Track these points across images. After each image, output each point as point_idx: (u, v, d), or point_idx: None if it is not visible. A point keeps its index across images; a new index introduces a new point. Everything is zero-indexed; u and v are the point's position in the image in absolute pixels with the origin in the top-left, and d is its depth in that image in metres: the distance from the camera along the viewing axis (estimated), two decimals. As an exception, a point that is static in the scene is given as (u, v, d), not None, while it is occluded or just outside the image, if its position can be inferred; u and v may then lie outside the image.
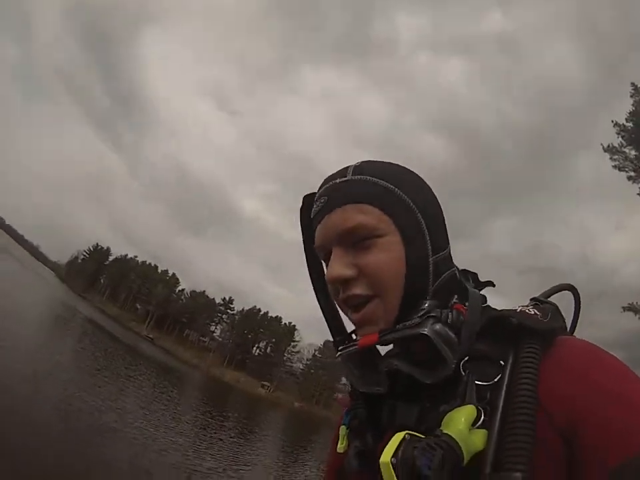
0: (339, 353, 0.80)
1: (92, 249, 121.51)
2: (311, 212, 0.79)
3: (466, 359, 0.66)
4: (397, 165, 0.79)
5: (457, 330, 0.67)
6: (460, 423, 0.57)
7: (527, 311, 0.68)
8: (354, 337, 0.81)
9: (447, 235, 0.78)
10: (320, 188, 0.78)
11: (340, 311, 0.82)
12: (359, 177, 0.74)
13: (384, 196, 0.72)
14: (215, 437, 16.72)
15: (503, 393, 0.60)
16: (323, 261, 0.80)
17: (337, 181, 0.75)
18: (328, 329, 0.86)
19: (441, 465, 0.51)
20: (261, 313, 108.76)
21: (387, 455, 0.53)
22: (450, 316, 0.68)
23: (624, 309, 17.98)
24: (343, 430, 0.81)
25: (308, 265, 0.88)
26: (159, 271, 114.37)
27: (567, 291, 0.84)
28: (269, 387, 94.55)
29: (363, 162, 0.77)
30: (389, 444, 0.54)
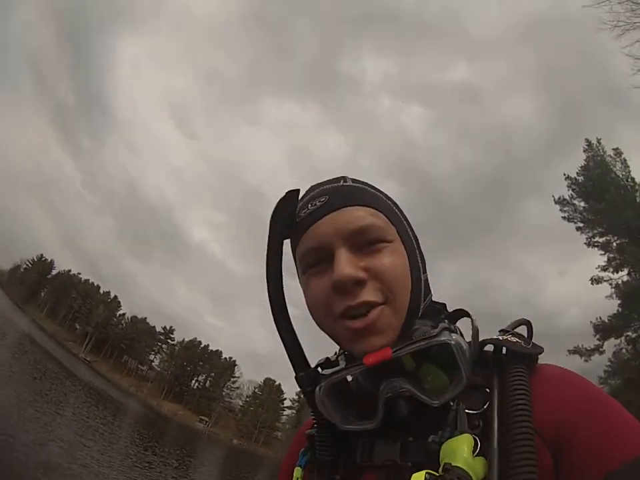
0: (323, 379, 0.68)
1: (36, 259, 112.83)
2: (298, 213, 0.71)
3: None
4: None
5: (469, 347, 0.64)
6: (464, 452, 0.55)
7: (509, 338, 0.67)
8: (320, 370, 0.72)
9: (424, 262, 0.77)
10: (311, 191, 0.74)
11: (300, 342, 0.75)
12: (361, 185, 0.72)
13: (386, 206, 0.72)
14: (158, 473, 16.31)
15: (496, 419, 0.58)
16: (309, 268, 0.71)
17: (339, 184, 0.72)
18: (289, 360, 0.74)
19: None
20: (202, 345, 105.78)
21: None
22: (459, 331, 0.66)
23: (569, 352, 18.43)
24: (298, 472, 0.76)
25: (268, 277, 0.74)
26: (101, 291, 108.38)
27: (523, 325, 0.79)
28: (207, 422, 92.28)
29: (355, 179, 0.75)
30: (415, 477, 0.53)
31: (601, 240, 19.08)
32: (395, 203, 0.76)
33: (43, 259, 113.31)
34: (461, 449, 0.55)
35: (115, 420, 25.10)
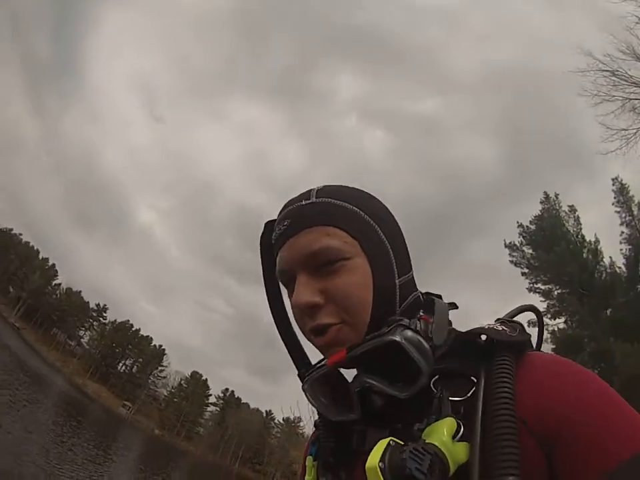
0: (306, 378, 0.77)
1: None
2: (272, 237, 0.77)
3: (436, 377, 0.66)
4: (360, 190, 0.79)
5: (427, 340, 0.65)
6: (442, 434, 0.56)
7: (494, 327, 0.69)
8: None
9: (409, 259, 0.79)
10: (281, 212, 0.77)
11: (302, 340, 0.83)
12: (323, 199, 0.73)
13: (349, 218, 0.72)
14: (75, 455, 15.57)
15: (480, 405, 0.59)
16: (285, 287, 0.78)
17: (301, 203, 0.74)
18: (291, 359, 0.85)
19: (431, 470, 0.51)
20: (133, 328, 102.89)
21: (373, 460, 0.52)
22: (418, 324, 0.67)
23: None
24: (309, 461, 0.81)
25: (267, 293, 0.86)
26: (40, 257, 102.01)
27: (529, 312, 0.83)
28: (130, 407, 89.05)
29: (325, 185, 0.76)
30: (374, 449, 0.54)
31: (542, 287, 19.95)
32: (371, 207, 0.76)
33: None
34: (439, 431, 0.57)
35: (37, 394, 24.05)
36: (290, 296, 0.76)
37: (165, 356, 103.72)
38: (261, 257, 0.85)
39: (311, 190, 0.75)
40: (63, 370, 80.00)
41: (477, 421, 0.58)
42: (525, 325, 0.73)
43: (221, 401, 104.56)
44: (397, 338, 0.63)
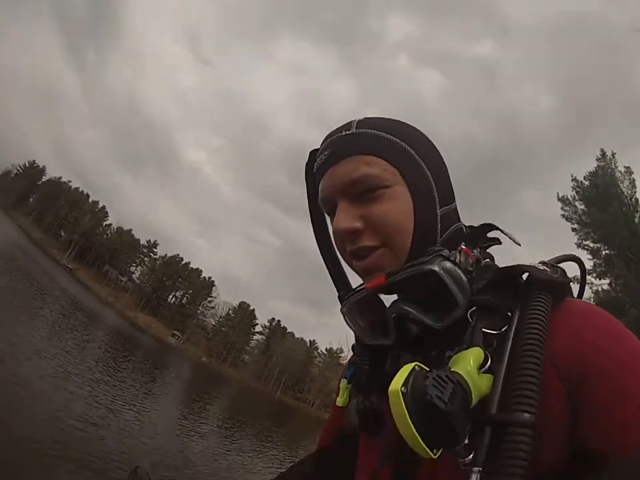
0: (345, 300, 0.81)
1: (27, 165, 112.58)
2: (314, 167, 0.80)
3: (473, 308, 0.66)
4: (401, 121, 0.79)
5: (466, 272, 0.67)
6: (468, 363, 0.57)
7: (536, 266, 0.68)
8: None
9: (452, 190, 0.79)
10: (323, 142, 0.78)
11: (344, 266, 0.86)
12: (363, 130, 0.74)
13: (390, 148, 0.72)
14: (128, 378, 16.38)
15: (511, 339, 0.60)
16: (327, 215, 0.81)
17: (342, 133, 0.75)
18: (332, 283, 0.88)
19: (452, 399, 0.51)
20: (183, 262, 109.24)
21: (396, 384, 0.51)
22: (458, 257, 0.69)
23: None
24: (343, 383, 0.85)
25: (312, 220, 0.89)
26: (90, 201, 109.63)
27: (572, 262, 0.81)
28: (179, 337, 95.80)
29: (366, 117, 0.77)
30: (398, 373, 0.53)
31: (591, 245, 19.98)
32: (411, 138, 0.75)
33: (35, 165, 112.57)
34: (465, 360, 0.57)
35: (89, 327, 25.34)
36: (332, 223, 0.77)
37: (213, 287, 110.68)
38: (306, 185, 0.87)
39: (352, 121, 0.76)
40: (115, 305, 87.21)
41: (505, 354, 0.59)
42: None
43: (267, 330, 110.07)
44: (435, 268, 0.64)
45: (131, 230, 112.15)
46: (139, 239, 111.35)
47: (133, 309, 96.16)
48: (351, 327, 0.80)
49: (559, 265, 0.74)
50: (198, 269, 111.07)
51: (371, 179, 0.70)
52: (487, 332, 0.63)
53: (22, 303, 14.63)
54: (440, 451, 0.52)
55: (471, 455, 0.54)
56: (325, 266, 0.89)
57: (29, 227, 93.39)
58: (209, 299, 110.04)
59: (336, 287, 0.88)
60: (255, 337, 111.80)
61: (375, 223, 0.70)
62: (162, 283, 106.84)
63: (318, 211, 0.86)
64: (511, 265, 0.71)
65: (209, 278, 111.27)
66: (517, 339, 0.59)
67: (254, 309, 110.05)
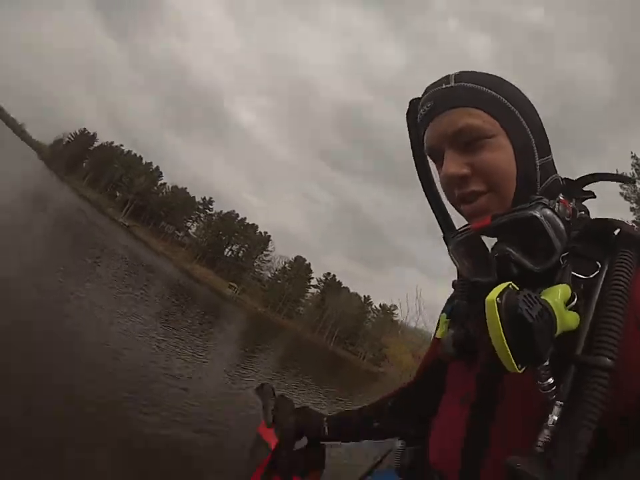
0: (451, 239, 0.86)
1: (78, 132, 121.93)
2: (417, 117, 0.84)
3: (566, 254, 0.71)
4: (496, 76, 0.81)
5: (564, 222, 0.70)
6: (556, 295, 0.61)
7: (627, 222, 0.72)
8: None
9: (548, 142, 0.81)
10: (423, 95, 0.82)
11: (448, 210, 0.91)
12: (462, 83, 0.77)
13: (489, 101, 0.76)
14: (186, 326, 17.02)
15: (600, 285, 0.64)
16: (434, 162, 0.85)
17: (442, 87, 0.78)
18: (438, 225, 0.93)
19: (539, 316, 0.55)
20: (239, 218, 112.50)
21: (493, 295, 0.55)
22: (557, 206, 0.72)
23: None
24: (442, 317, 0.90)
25: (416, 167, 0.93)
26: (144, 162, 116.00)
27: None
28: (235, 288, 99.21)
29: (462, 71, 0.80)
30: (495, 287, 0.57)
31: None
32: (507, 91, 0.78)
33: (86, 132, 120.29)
34: (554, 292, 0.62)
35: (148, 280, 26.22)
36: (439, 170, 0.81)
37: (269, 242, 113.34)
38: (409, 134, 0.91)
39: (449, 75, 0.80)
40: (173, 258, 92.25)
41: (593, 299, 0.63)
42: None
43: (322, 284, 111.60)
44: (537, 214, 0.69)
45: (185, 188, 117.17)
46: (194, 197, 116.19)
47: (190, 261, 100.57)
48: (456, 264, 0.86)
49: None
50: (254, 224, 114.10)
51: (474, 129, 0.74)
52: (575, 275, 0.68)
53: (89, 261, 15.60)
54: (524, 368, 0.56)
55: (554, 387, 0.59)
56: (431, 210, 0.93)
57: (84, 189, 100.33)
58: (264, 252, 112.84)
59: (441, 228, 0.92)
60: (310, 290, 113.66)
61: (481, 169, 0.74)
62: (218, 238, 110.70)
63: (422, 159, 0.91)
64: (604, 218, 0.74)
65: (265, 233, 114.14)
66: (604, 288, 0.63)
67: (309, 263, 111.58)
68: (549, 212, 0.69)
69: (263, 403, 1.22)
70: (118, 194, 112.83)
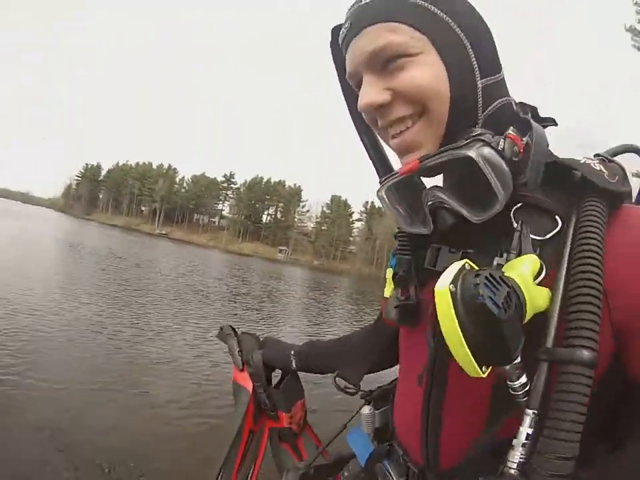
0: (379, 187, 0.75)
1: (82, 170, 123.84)
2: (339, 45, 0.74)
3: (518, 205, 0.62)
4: None
5: (510, 163, 0.60)
6: (522, 269, 0.52)
7: (592, 165, 0.61)
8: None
9: (498, 58, 0.70)
10: (346, 15, 0.72)
11: (386, 149, 0.82)
12: None
13: (416, 13, 0.64)
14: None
15: (567, 252, 0.55)
16: (356, 90, 0.72)
17: (361, 2, 0.67)
18: (374, 169, 0.84)
19: (506, 304, 0.46)
20: (264, 180, 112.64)
21: (444, 281, 0.47)
22: (502, 144, 0.61)
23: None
24: (389, 272, 0.82)
25: (346, 102, 0.84)
26: (154, 166, 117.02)
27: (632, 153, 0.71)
28: (286, 250, 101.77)
29: None
30: (446, 271, 0.49)
31: None
32: (442, 0, 0.65)
33: (89, 166, 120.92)
34: (520, 266, 0.53)
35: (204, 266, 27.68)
36: None
37: (302, 192, 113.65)
38: (334, 64, 0.82)
39: None
40: (218, 246, 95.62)
41: (562, 269, 0.54)
42: (629, 175, 0.64)
43: (364, 215, 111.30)
44: (472, 154, 0.59)
45: (204, 173, 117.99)
46: (215, 177, 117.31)
47: (235, 242, 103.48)
48: (387, 211, 0.76)
49: (616, 157, 0.66)
50: (281, 181, 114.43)
51: (394, 46, 0.63)
52: (534, 239, 0.59)
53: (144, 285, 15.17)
54: (489, 369, 0.48)
55: (526, 388, 0.51)
56: (365, 151, 0.85)
57: (111, 219, 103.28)
58: (301, 204, 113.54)
59: (377, 172, 0.83)
60: (355, 226, 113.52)
61: (404, 90, 0.64)
62: (252, 208, 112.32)
63: (350, 92, 0.79)
64: (563, 158, 0.64)
65: (295, 185, 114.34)
66: (573, 253, 0.54)
67: (346, 199, 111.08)
68: (487, 151, 0.59)
69: (227, 346, 1.22)
70: (143, 208, 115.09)
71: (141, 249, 36.00)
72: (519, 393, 0.51)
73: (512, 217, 0.61)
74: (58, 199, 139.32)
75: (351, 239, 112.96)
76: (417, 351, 0.75)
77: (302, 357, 1.16)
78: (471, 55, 0.65)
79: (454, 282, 0.47)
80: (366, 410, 0.98)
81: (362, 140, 0.85)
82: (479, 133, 0.62)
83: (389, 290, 0.82)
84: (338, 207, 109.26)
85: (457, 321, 0.45)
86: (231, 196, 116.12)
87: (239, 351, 1.19)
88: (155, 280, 16.63)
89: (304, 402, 1.23)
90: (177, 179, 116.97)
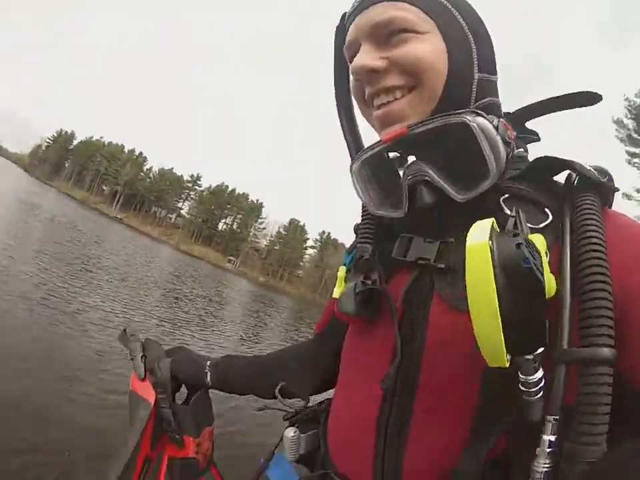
0: (356, 158, 0.71)
1: (55, 134, 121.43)
2: (344, 27, 0.72)
3: (506, 196, 0.60)
4: None
5: (504, 143, 0.58)
6: (539, 250, 0.48)
7: (583, 164, 0.59)
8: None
9: (495, 62, 0.69)
10: None
11: (359, 130, 0.79)
12: None
13: (429, 2, 0.65)
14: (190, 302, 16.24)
15: (567, 242, 0.52)
16: (350, 63, 0.70)
17: None
18: (347, 149, 0.79)
19: (542, 268, 0.43)
20: (229, 189, 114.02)
21: (481, 234, 0.42)
22: (496, 121, 0.60)
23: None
24: (342, 271, 0.75)
25: (335, 80, 0.80)
26: (126, 150, 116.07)
27: None
28: (235, 261, 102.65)
29: None
30: (476, 225, 0.45)
31: None
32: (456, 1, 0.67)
33: (63, 132, 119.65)
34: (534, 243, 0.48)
35: (149, 261, 26.22)
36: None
37: (262, 209, 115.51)
38: (334, 44, 0.78)
39: None
40: (170, 241, 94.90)
41: (565, 259, 0.51)
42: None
43: (319, 243, 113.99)
44: (468, 119, 0.57)
45: (172, 168, 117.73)
46: (181, 175, 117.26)
47: (187, 242, 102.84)
48: (358, 192, 0.70)
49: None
50: (245, 193, 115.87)
51: (402, 20, 0.63)
52: (530, 227, 0.55)
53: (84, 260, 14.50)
54: (510, 359, 0.43)
55: (541, 384, 0.46)
56: (340, 129, 0.80)
57: (71, 191, 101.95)
58: (259, 220, 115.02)
59: (350, 152, 0.78)
60: (307, 252, 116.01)
61: (401, 61, 0.63)
62: (211, 213, 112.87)
63: (340, 68, 0.78)
64: (551, 155, 0.61)
65: (257, 200, 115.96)
66: (574, 244, 0.52)
67: (304, 225, 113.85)
68: (482, 120, 0.57)
69: (129, 351, 0.99)
70: (105, 188, 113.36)
71: (96, 226, 35.97)
72: (532, 390, 0.46)
73: (502, 204, 0.59)
74: (24, 155, 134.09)
75: (301, 263, 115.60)
76: (375, 351, 0.66)
77: (220, 370, 0.96)
78: (473, 48, 0.65)
79: (490, 238, 0.42)
80: (290, 432, 0.80)
81: (339, 116, 0.81)
82: (472, 107, 0.62)
83: (338, 290, 0.73)
84: (295, 230, 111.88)
85: (494, 286, 0.39)
86: (193, 197, 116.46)
87: (142, 356, 0.98)
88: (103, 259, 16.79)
89: (212, 430, 1.00)
90: (145, 168, 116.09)
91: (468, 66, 0.65)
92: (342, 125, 0.80)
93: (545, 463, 0.45)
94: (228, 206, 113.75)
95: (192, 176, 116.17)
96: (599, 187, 0.57)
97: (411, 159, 0.69)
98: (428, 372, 0.57)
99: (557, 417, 0.45)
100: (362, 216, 0.76)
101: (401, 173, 0.70)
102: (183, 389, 0.99)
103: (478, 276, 0.39)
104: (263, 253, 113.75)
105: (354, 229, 0.79)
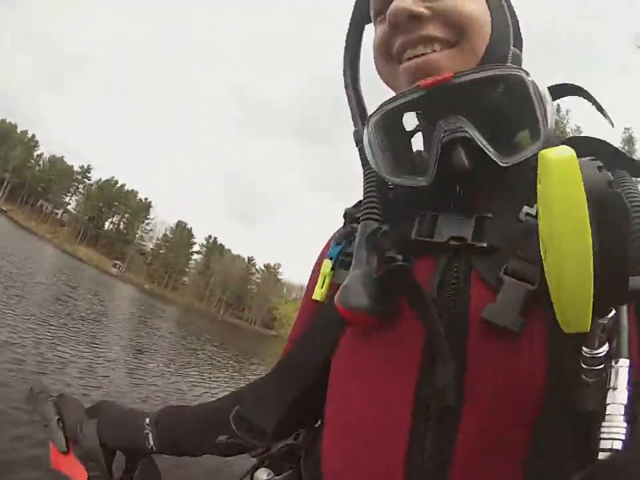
0: (373, 114, 0.60)
1: None
2: None
3: None
4: None
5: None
6: None
7: (610, 143, 0.57)
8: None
9: (522, 44, 0.67)
10: None
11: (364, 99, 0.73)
12: None
13: None
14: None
15: None
16: (376, 17, 0.64)
17: None
18: (351, 117, 0.72)
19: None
20: (118, 185, 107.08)
21: (566, 150, 0.36)
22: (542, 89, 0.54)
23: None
24: (326, 266, 0.63)
25: (349, 30, 0.73)
26: (19, 131, 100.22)
27: None
28: (120, 266, 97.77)
29: None
30: (555, 148, 0.38)
31: None
32: None
33: None
34: None
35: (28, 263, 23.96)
36: (377, 27, 0.63)
37: (151, 209, 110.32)
38: (354, 5, 0.72)
39: None
40: (53, 241, 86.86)
41: None
42: None
43: (205, 249, 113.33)
44: (522, 74, 0.52)
45: (63, 157, 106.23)
46: (72, 166, 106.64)
47: (72, 242, 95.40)
48: (368, 154, 0.60)
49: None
50: (133, 190, 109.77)
51: None
52: None
53: None
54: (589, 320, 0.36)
55: (605, 346, 0.38)
56: (345, 93, 0.73)
57: None
58: (146, 221, 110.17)
59: (353, 119, 0.71)
60: (193, 257, 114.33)
61: (449, 12, 0.56)
62: (98, 210, 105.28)
63: (356, 30, 0.72)
64: (579, 135, 0.61)
65: (146, 199, 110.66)
66: None
67: (191, 228, 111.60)
68: (533, 78, 0.53)
69: (41, 416, 0.80)
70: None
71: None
72: (597, 367, 0.38)
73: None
74: None
75: (187, 269, 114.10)
76: (392, 358, 0.51)
77: (164, 427, 0.77)
78: (509, 21, 0.62)
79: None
80: (263, 475, 0.64)
81: (345, 82, 0.73)
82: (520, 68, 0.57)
83: (321, 291, 0.62)
84: (181, 233, 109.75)
85: (587, 212, 0.33)
86: (81, 191, 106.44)
87: (58, 420, 0.78)
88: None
89: None
90: (35, 154, 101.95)
91: (506, 37, 0.62)
92: (347, 90, 0.73)
93: (620, 425, 0.36)
94: (116, 203, 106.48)
95: (82, 167, 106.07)
96: (632, 164, 0.55)
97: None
98: (472, 384, 0.46)
99: (629, 359, 0.38)
100: (365, 190, 0.64)
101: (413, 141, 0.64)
102: (119, 455, 0.81)
103: (565, 199, 0.32)
104: (148, 257, 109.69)
105: (344, 215, 0.69)
